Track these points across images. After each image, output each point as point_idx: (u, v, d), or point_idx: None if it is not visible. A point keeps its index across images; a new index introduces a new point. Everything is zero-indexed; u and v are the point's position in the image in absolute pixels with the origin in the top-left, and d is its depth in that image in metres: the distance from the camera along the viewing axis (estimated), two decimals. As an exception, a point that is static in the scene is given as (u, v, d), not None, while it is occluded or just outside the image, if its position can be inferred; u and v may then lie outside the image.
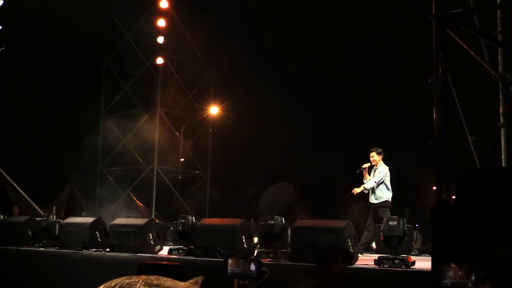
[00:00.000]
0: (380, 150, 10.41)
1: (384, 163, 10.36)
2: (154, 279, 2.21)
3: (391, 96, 22.91)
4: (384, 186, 10.23)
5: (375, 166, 10.33)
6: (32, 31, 19.92)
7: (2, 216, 10.80)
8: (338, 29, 22.46)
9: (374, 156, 10.31)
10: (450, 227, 5.24)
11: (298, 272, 6.26)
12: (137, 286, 2.12)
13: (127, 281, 2.14)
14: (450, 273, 2.86)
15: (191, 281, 2.26)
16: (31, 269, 8.85)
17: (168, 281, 2.24)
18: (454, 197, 5.93)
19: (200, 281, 2.25)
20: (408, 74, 20.62)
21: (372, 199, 10.27)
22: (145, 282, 2.17)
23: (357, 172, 10.44)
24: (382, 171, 10.20)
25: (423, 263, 6.74)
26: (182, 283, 2.24)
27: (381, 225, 6.87)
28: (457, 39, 7.06)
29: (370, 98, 24.24)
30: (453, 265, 2.91)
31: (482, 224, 5.00)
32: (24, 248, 9.38)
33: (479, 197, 5.19)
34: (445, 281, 2.87)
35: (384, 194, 10.22)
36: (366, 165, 10.34)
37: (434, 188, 6.37)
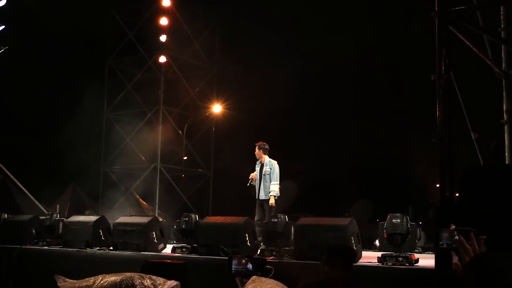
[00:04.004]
0: (264, 146, 10.33)
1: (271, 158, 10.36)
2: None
3: (394, 93, 22.89)
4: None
5: (260, 161, 10.29)
6: (35, 30, 19.92)
7: (6, 215, 10.83)
8: (342, 25, 22.46)
9: (256, 150, 10.30)
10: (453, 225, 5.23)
11: (301, 270, 6.26)
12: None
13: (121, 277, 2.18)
14: (447, 235, 2.87)
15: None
16: (35, 268, 8.87)
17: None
18: (457, 194, 5.92)
19: None
20: (410, 72, 20.60)
21: (262, 195, 10.16)
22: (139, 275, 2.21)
23: (248, 185, 10.38)
24: (277, 169, 10.16)
25: (426, 260, 6.73)
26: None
27: (384, 223, 6.85)
28: (460, 36, 7.04)
29: (373, 96, 24.23)
30: (453, 226, 2.92)
31: (486, 222, 4.99)
32: (28, 246, 9.40)
33: (483, 194, 5.18)
34: (441, 243, 2.88)
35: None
36: (253, 175, 10.28)
37: (437, 185, 6.36)
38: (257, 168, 10.34)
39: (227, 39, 23.89)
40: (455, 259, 2.72)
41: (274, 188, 10.01)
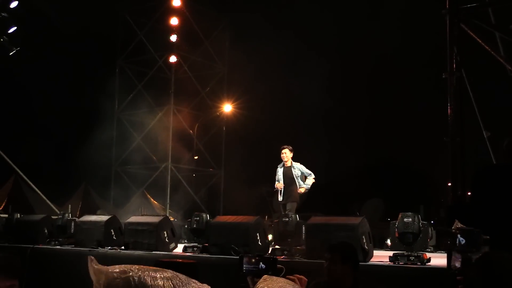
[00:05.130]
0: (291, 148, 10.55)
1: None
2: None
3: (405, 92, 22.81)
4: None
5: (284, 164, 10.47)
6: (46, 30, 20.03)
7: (18, 214, 10.90)
8: (353, 24, 22.40)
9: (287, 153, 10.44)
10: (465, 224, 5.20)
11: (312, 269, 6.25)
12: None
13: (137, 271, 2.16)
14: (451, 234, 2.88)
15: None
16: (47, 267, 8.92)
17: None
18: (469, 193, 5.88)
19: None
20: (422, 70, 20.51)
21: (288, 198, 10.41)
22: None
23: (280, 196, 10.46)
24: (305, 167, 10.44)
25: (438, 259, 6.69)
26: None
27: (396, 222, 6.82)
28: (472, 34, 7.00)
29: (385, 94, 24.16)
30: (458, 225, 2.91)
31: (498, 221, 4.95)
32: (40, 246, 9.46)
33: (495, 193, 5.14)
34: (443, 244, 2.90)
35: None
36: (280, 186, 10.41)
37: (449, 184, 6.33)
38: (280, 171, 10.42)
39: (237, 38, 23.89)
40: (456, 258, 2.72)
41: (309, 182, 10.34)
